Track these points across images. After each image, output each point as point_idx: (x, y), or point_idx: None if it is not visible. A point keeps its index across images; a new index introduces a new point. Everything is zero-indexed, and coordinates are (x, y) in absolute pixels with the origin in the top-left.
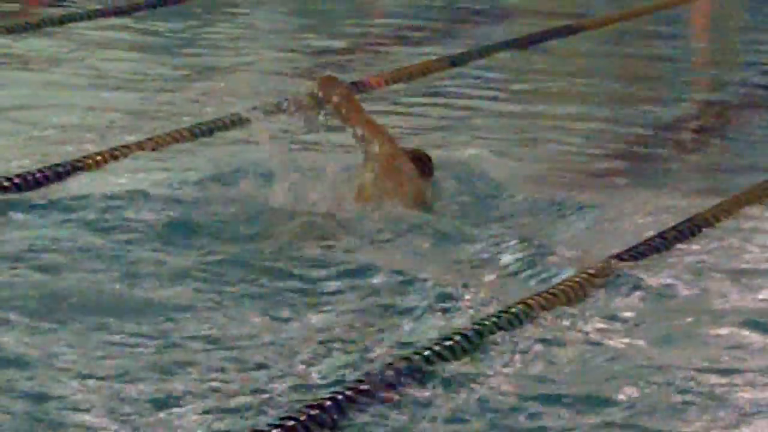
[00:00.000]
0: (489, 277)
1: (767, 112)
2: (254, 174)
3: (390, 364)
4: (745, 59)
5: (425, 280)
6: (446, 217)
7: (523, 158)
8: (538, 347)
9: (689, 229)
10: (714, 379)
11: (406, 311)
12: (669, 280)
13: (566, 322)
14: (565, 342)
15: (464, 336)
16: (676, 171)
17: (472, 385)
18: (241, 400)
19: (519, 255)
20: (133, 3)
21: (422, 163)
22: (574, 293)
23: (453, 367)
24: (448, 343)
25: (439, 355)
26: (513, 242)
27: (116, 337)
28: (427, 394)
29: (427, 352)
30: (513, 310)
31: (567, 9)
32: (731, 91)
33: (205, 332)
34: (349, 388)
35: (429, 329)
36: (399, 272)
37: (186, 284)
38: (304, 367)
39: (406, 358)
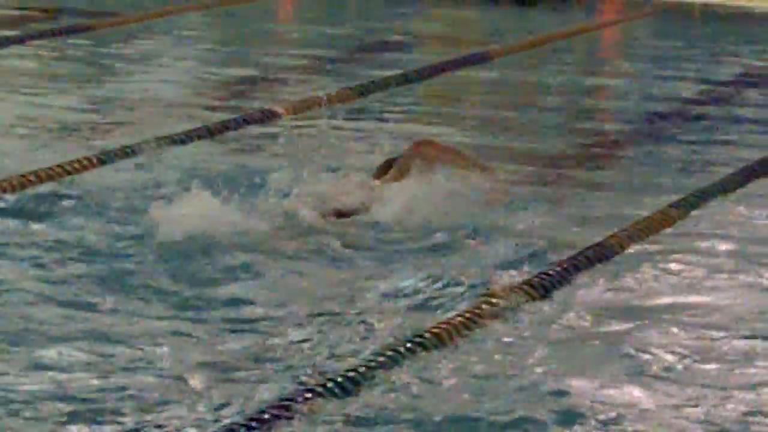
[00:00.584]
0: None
1: (664, 142)
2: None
3: None
4: (650, 89)
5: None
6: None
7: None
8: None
9: (592, 258)
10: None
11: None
12: (567, 314)
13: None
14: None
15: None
16: (578, 198)
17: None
18: None
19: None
20: (38, 30)
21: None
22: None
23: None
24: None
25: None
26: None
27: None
28: None
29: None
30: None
31: (475, 37)
32: (629, 121)
33: None
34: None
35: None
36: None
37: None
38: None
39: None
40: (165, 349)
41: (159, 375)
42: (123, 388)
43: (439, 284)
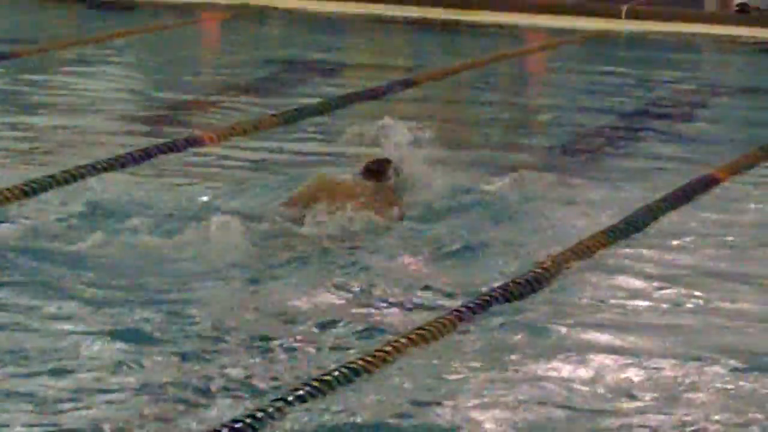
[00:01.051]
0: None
1: (576, 174)
2: None
3: None
4: (571, 115)
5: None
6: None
7: None
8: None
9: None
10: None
11: None
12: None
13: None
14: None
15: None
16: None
17: None
18: None
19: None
20: None
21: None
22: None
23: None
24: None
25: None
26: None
27: None
28: None
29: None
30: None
31: (401, 62)
32: (550, 146)
33: None
34: None
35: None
36: None
37: None
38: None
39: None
40: (105, 376)
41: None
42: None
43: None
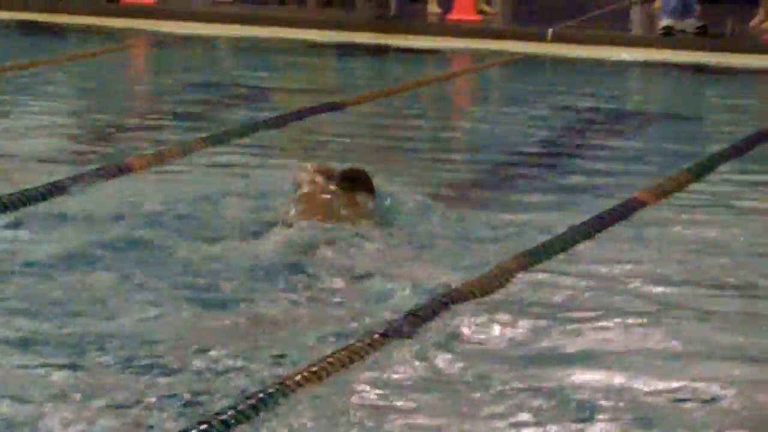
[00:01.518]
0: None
1: (507, 191)
2: None
3: None
4: (497, 137)
5: None
6: None
7: None
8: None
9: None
10: None
11: None
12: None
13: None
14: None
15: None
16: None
17: None
18: None
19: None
20: None
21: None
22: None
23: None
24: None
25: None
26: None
27: None
28: None
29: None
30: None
31: (329, 86)
32: (478, 169)
33: None
34: None
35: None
36: None
37: None
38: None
39: None
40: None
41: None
42: None
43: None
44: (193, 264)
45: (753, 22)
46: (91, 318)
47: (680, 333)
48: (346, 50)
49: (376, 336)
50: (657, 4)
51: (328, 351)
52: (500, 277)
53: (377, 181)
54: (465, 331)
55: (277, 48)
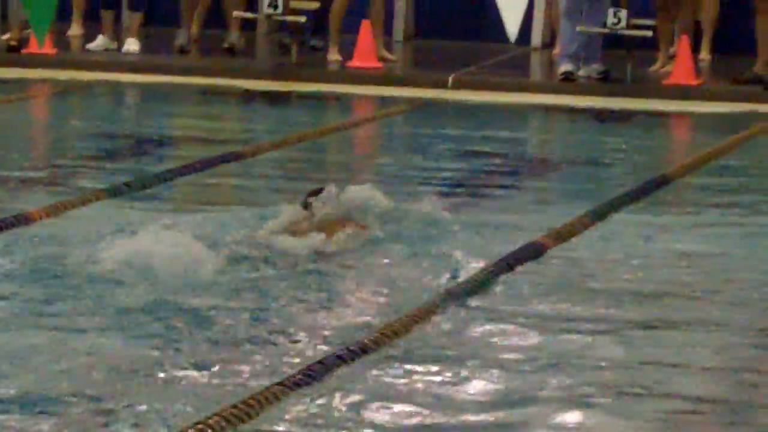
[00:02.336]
0: None
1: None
2: None
3: None
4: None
5: None
6: None
7: None
8: None
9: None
10: None
11: None
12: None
13: None
14: None
15: None
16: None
17: None
18: None
19: None
20: None
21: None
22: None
23: None
24: None
25: None
26: None
27: None
28: None
29: None
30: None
31: (232, 135)
32: None
33: None
34: None
35: None
36: None
37: None
38: None
39: None
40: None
41: None
42: None
43: None
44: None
45: (653, 68)
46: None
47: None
48: (248, 98)
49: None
50: (556, 50)
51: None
52: (411, 322)
53: None
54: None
55: (180, 96)
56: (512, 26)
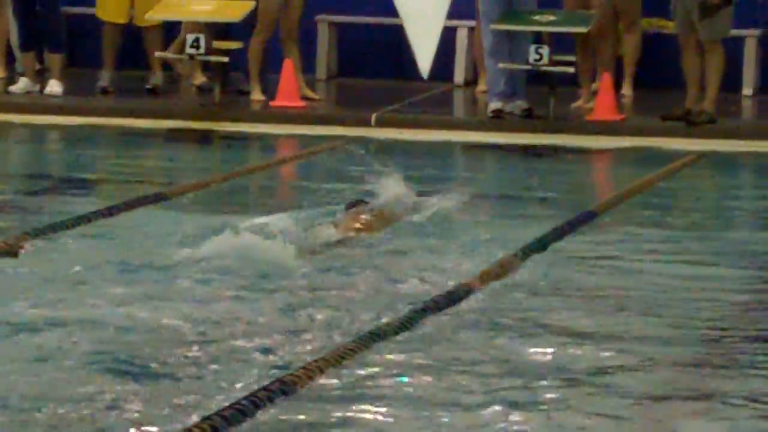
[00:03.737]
0: None
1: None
2: None
3: None
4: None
5: None
6: None
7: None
8: None
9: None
10: None
11: None
12: None
13: None
14: None
15: None
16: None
17: None
18: None
19: None
20: None
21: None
22: None
23: None
24: None
25: None
26: None
27: None
28: None
29: None
30: None
31: (155, 175)
32: None
33: None
34: None
35: None
36: None
37: None
38: None
39: None
40: None
41: None
42: None
43: None
44: None
45: (576, 104)
46: None
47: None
48: (172, 139)
49: None
50: (480, 87)
51: None
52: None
53: None
54: None
55: (104, 138)
56: (424, 62)
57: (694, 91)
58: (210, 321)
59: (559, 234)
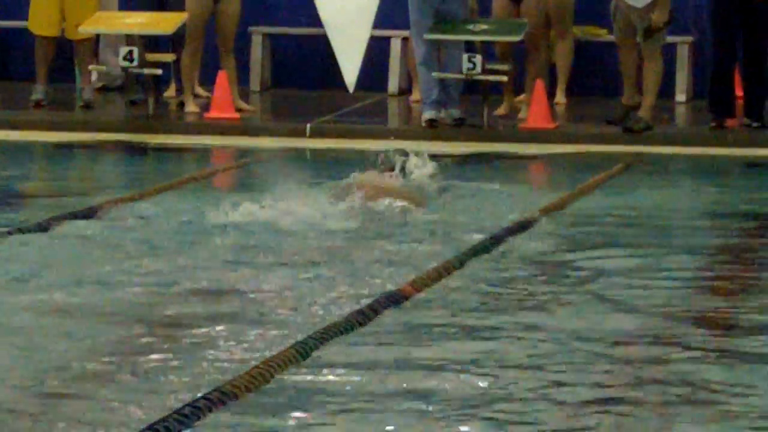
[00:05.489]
0: None
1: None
2: None
3: None
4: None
5: None
6: None
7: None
8: None
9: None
10: None
11: None
12: None
13: None
14: None
15: None
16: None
17: None
18: None
19: None
20: None
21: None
22: None
23: None
24: None
25: None
26: None
27: None
28: None
29: None
30: None
31: (86, 189)
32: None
33: None
34: None
35: None
36: None
37: None
38: None
39: None
40: None
41: None
42: None
43: None
44: None
45: (498, 111)
46: None
47: None
48: (103, 152)
49: None
50: (414, 96)
51: None
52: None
53: None
54: None
55: (33, 151)
56: (350, 75)
57: (629, 86)
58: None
59: (487, 245)
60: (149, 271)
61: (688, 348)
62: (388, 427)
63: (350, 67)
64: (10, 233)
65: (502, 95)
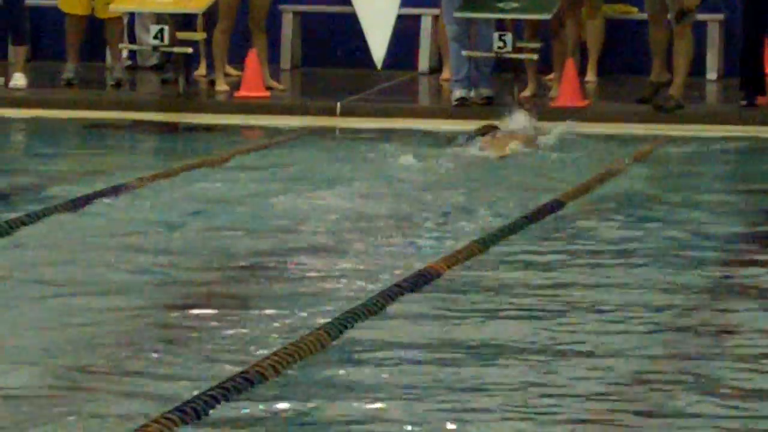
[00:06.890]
0: None
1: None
2: None
3: None
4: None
5: None
6: None
7: None
8: None
9: None
10: None
11: None
12: None
13: None
14: None
15: None
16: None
17: None
18: None
19: None
20: None
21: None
22: None
23: None
24: None
25: None
26: None
27: None
28: None
29: None
30: None
31: (120, 167)
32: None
33: None
34: None
35: None
36: None
37: None
38: None
39: None
40: None
41: None
42: None
43: None
44: None
45: (524, 93)
46: None
47: None
48: (135, 131)
49: None
50: (445, 75)
51: None
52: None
53: None
54: None
55: (68, 130)
56: (378, 51)
57: (659, 63)
58: None
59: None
60: (176, 248)
61: None
62: (423, 409)
63: (378, 43)
64: (40, 213)
65: (541, 75)
